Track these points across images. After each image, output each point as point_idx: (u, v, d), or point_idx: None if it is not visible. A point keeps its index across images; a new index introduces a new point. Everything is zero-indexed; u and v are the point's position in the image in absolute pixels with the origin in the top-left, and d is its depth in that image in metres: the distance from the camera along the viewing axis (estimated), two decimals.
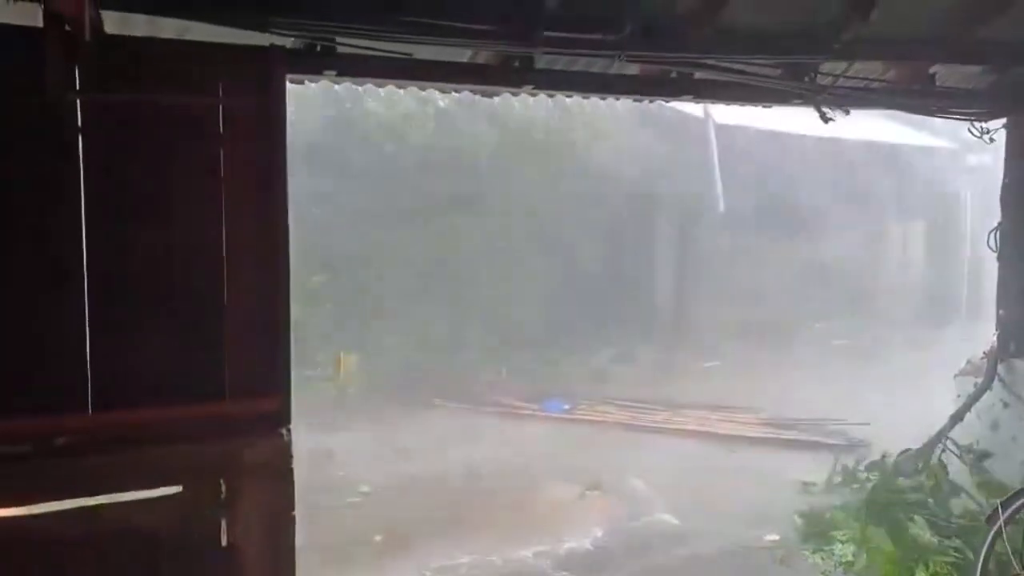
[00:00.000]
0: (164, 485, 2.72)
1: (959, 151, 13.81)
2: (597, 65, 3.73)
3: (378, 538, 5.25)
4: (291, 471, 2.90)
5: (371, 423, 7.69)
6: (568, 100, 4.25)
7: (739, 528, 5.31)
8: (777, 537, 5.15)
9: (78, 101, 2.58)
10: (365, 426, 7.59)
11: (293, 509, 2.92)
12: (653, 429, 7.75)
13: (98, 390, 2.65)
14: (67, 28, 2.45)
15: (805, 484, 6.01)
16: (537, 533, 5.33)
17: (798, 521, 5.15)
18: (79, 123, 2.59)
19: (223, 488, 2.80)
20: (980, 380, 5.02)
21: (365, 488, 6.09)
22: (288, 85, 2.91)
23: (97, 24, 2.58)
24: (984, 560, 3.87)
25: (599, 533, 5.39)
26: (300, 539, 2.88)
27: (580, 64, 3.71)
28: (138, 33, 2.84)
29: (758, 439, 7.44)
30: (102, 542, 2.64)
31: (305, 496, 2.97)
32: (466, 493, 6.09)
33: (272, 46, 2.90)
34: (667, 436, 7.57)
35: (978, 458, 4.90)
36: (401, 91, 3.80)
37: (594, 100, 4.19)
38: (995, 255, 5.07)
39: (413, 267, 9.53)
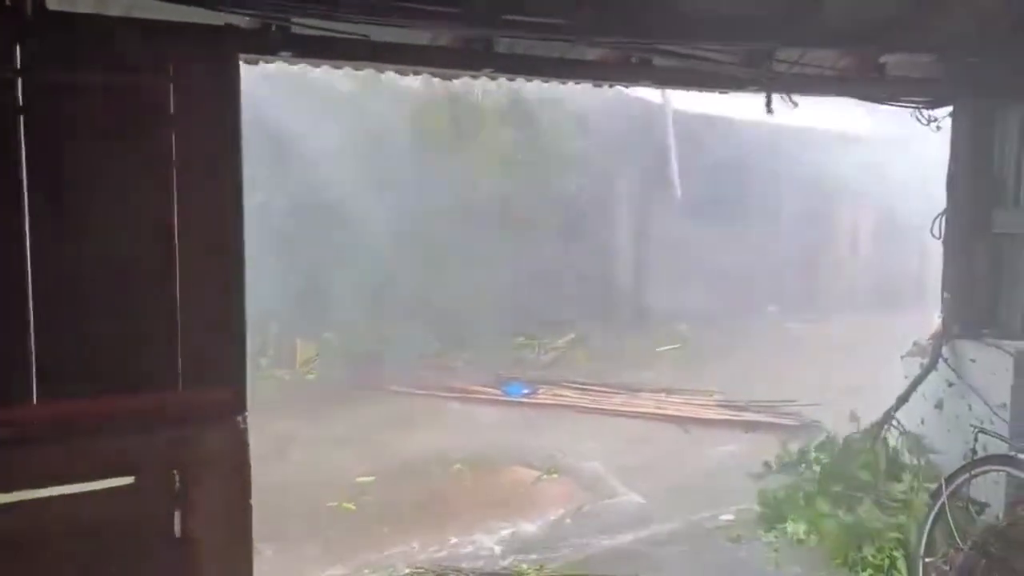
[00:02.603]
0: (115, 476, 2.65)
1: (905, 139, 14.16)
2: (557, 49, 3.71)
3: (332, 529, 5.22)
4: (247, 460, 2.87)
5: (330, 411, 7.61)
6: (528, 84, 4.22)
7: (695, 509, 5.42)
8: (732, 517, 5.27)
9: (19, 80, 2.48)
10: (324, 414, 7.51)
11: (250, 499, 2.88)
12: (612, 412, 7.84)
13: (43, 379, 2.57)
14: (7, 3, 2.35)
15: (759, 464, 6.16)
16: (495, 516, 5.36)
17: (752, 501, 5.28)
18: (19, 103, 2.49)
19: (177, 479, 2.75)
20: (926, 361, 5.18)
21: (326, 477, 6.04)
22: (242, 65, 2.84)
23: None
24: (928, 535, 4.01)
25: (556, 515, 5.45)
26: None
27: (540, 48, 3.69)
28: (83, 9, 2.73)
29: (713, 421, 7.59)
30: (50, 536, 2.57)
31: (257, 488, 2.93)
32: (427, 479, 6.08)
33: (226, 25, 2.83)
34: (625, 419, 7.67)
35: (922, 437, 5.07)
36: (359, 73, 3.73)
37: (553, 85, 4.17)
38: (940, 241, 5.23)
39: (369, 254, 9.43)
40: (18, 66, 2.47)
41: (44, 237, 2.55)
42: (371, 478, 6.04)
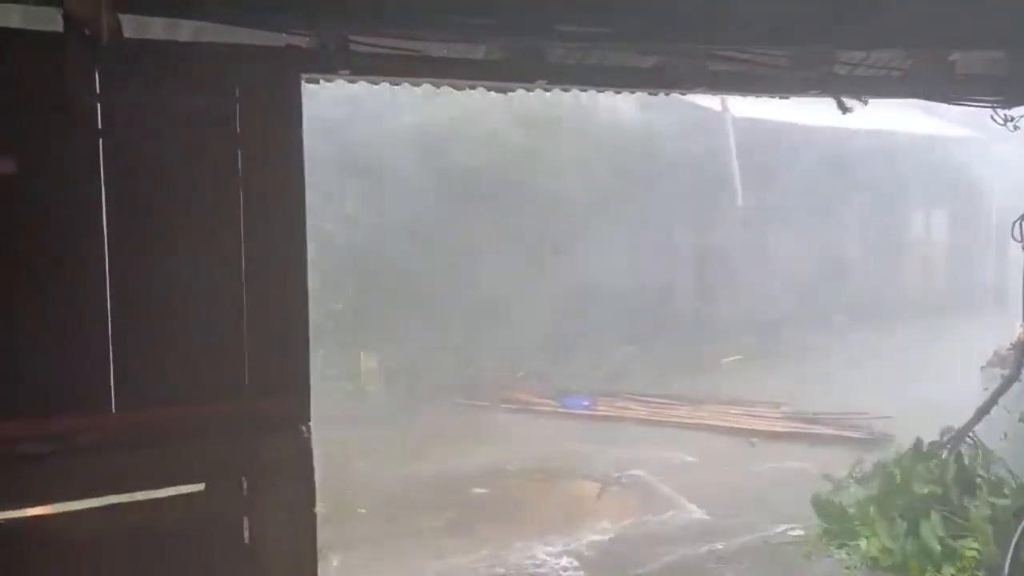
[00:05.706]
0: (186, 483, 2.74)
1: (984, 140, 13.60)
2: (611, 58, 3.71)
3: (392, 540, 5.27)
4: (312, 468, 2.92)
5: (391, 422, 7.72)
6: (583, 95, 4.22)
7: (763, 523, 5.28)
8: (802, 532, 5.11)
9: (98, 105, 2.62)
10: (385, 425, 7.62)
11: (314, 506, 2.94)
12: (674, 424, 7.72)
13: (121, 389, 2.68)
14: (86, 32, 2.48)
15: (828, 478, 5.95)
16: (558, 529, 5.33)
17: (822, 516, 5.10)
18: (99, 126, 2.62)
19: (245, 486, 2.83)
20: (1007, 372, 4.94)
21: (388, 488, 6.12)
22: (303, 85, 2.93)
23: (115, 28, 2.61)
24: (1013, 555, 3.80)
25: (620, 529, 5.38)
26: None
27: (593, 58, 3.69)
28: (155, 36, 2.87)
29: (779, 433, 7.38)
30: (125, 540, 2.67)
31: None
32: (489, 491, 6.09)
33: (287, 46, 2.92)
34: (688, 431, 7.53)
35: (1005, 451, 4.82)
36: (417, 89, 3.81)
37: (608, 93, 4.17)
38: (1021, 245, 4.98)
39: (431, 267, 9.55)
40: (97, 91, 2.60)
41: (122, 253, 2.66)
42: (433, 490, 6.08)
